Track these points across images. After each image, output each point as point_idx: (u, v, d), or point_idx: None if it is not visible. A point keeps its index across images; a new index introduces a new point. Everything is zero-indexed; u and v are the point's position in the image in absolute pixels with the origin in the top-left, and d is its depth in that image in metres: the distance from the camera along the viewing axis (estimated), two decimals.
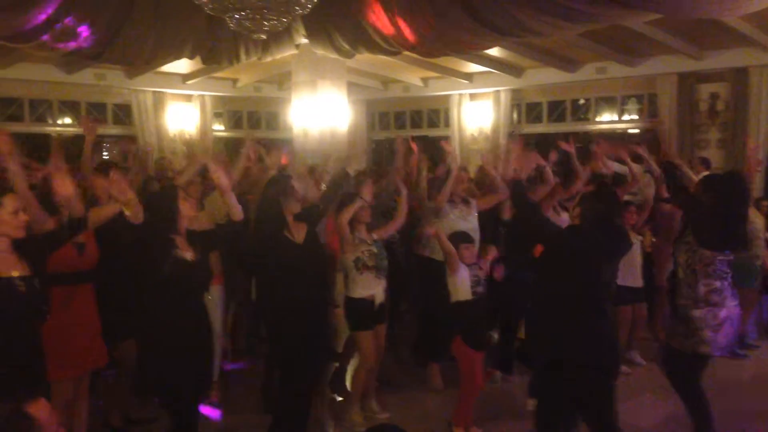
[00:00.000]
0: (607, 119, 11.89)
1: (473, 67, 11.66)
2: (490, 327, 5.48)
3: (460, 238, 4.83)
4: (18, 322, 3.12)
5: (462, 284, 4.67)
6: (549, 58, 10.56)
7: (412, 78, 12.73)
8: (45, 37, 7.31)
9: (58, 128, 11.95)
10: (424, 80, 12.88)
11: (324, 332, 4.49)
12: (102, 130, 12.47)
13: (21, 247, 3.27)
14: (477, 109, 12.82)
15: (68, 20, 7.11)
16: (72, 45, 7.65)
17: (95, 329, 4.08)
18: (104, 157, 13.06)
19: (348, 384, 5.40)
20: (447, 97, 13.08)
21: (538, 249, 4.91)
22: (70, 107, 12.05)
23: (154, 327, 3.71)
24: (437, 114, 13.90)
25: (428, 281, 5.73)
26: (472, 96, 12.82)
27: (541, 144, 12.72)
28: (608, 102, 11.80)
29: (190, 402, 3.84)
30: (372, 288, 4.84)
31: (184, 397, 3.77)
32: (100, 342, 4.11)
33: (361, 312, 4.83)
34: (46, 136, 11.80)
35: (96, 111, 12.26)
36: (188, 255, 3.80)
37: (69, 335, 3.84)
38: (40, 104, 11.64)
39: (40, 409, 2.14)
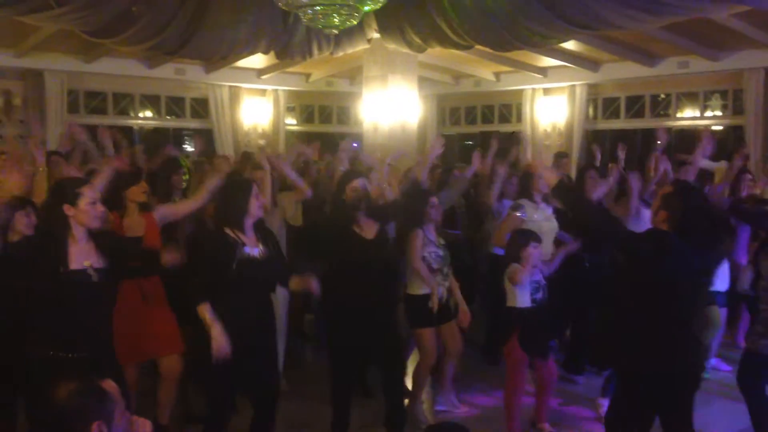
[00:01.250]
0: (688, 115, 11.42)
1: (548, 61, 11.39)
2: (552, 335, 5.27)
3: (528, 236, 4.60)
4: (88, 310, 3.22)
5: (520, 290, 4.49)
6: (628, 52, 10.21)
7: (484, 72, 12.56)
8: (127, 34, 7.60)
9: (139, 121, 12.41)
10: (497, 74, 12.69)
11: (388, 329, 4.45)
12: (180, 123, 12.93)
13: (97, 237, 3.36)
14: (551, 104, 12.53)
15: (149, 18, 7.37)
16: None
17: (165, 317, 4.18)
18: (186, 149, 13.55)
19: (408, 382, 5.39)
20: (520, 92, 12.84)
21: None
22: (151, 101, 12.49)
23: (222, 321, 3.66)
24: (509, 109, 13.67)
25: (496, 279, 5.61)
26: (546, 91, 12.54)
27: (618, 139, 12.40)
28: (690, 98, 11.33)
29: (229, 400, 3.84)
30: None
31: (232, 396, 3.80)
32: (171, 330, 4.19)
33: (421, 309, 4.76)
34: (128, 129, 12.27)
35: (175, 105, 12.66)
36: (256, 252, 3.76)
37: (138, 323, 3.95)
38: (122, 98, 12.11)
39: (111, 386, 2.19)
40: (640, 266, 3.32)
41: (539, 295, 4.50)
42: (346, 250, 4.32)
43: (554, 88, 12.34)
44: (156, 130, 12.69)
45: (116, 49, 9.53)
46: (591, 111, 12.32)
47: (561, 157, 8.81)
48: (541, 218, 5.30)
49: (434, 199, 4.88)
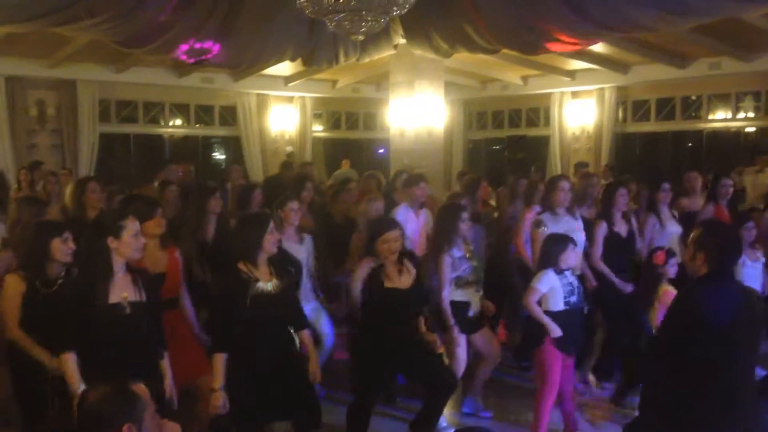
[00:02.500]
0: (720, 117, 11.23)
1: (576, 64, 11.31)
2: (586, 338, 5.18)
3: (561, 239, 4.57)
4: (121, 341, 3.22)
5: (552, 294, 4.45)
6: (657, 54, 10.08)
7: (512, 76, 12.51)
8: (156, 44, 7.73)
9: (169, 129, 12.59)
10: (524, 78, 12.62)
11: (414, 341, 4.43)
12: (209, 131, 13.09)
13: (138, 272, 3.38)
14: (579, 107, 12.43)
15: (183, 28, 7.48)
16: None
17: (193, 344, 4.16)
18: (214, 157, 13.72)
19: None
20: (548, 96, 12.76)
21: (660, 257, 4.68)
22: (180, 109, 12.66)
23: (237, 358, 3.62)
24: (537, 113, 13.60)
25: (527, 284, 5.56)
26: (575, 94, 12.45)
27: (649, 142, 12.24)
28: (722, 99, 11.15)
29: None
30: (468, 297, 4.77)
31: (256, 424, 3.76)
32: (202, 353, 4.16)
33: (455, 315, 4.75)
34: (158, 137, 12.46)
35: (204, 113, 12.82)
36: (270, 286, 3.68)
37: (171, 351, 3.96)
38: (153, 106, 12.30)
39: (143, 391, 2.23)
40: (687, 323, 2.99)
41: (573, 298, 4.45)
42: (379, 302, 4.25)
43: (583, 91, 12.25)
44: (185, 138, 12.87)
45: (146, 59, 9.69)
46: (620, 114, 12.19)
47: (581, 167, 8.69)
48: (562, 231, 4.98)
49: (465, 214, 4.84)
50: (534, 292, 4.42)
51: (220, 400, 3.53)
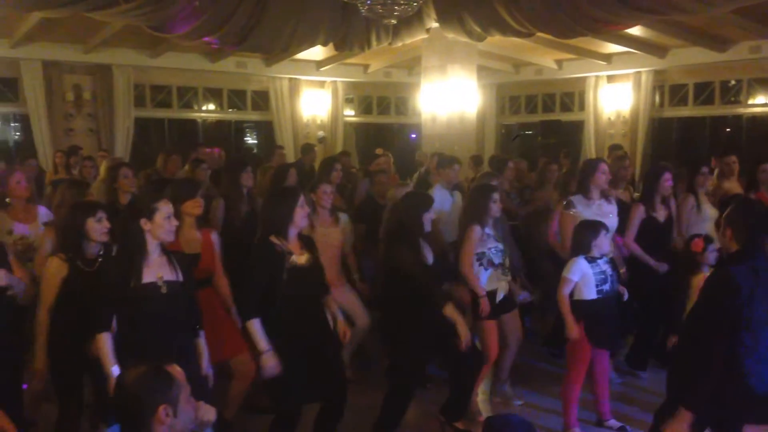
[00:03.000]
0: (761, 102, 10.93)
1: (612, 48, 11.10)
2: (621, 327, 5.10)
3: (592, 225, 4.49)
4: (157, 321, 3.28)
5: (584, 282, 4.38)
6: (696, 37, 9.83)
7: (546, 60, 12.33)
8: (187, 29, 7.78)
9: (202, 114, 12.70)
10: (558, 62, 12.43)
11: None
12: (241, 116, 13.18)
13: (174, 253, 3.44)
14: (615, 91, 12.21)
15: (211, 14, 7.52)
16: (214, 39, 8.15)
17: (227, 322, 4.20)
18: (246, 141, 13.83)
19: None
20: (583, 80, 12.56)
21: (698, 243, 4.60)
22: (213, 94, 12.76)
23: (276, 333, 3.65)
24: (571, 97, 13.39)
25: (559, 272, 5.50)
26: (610, 78, 12.23)
27: (686, 128, 12.00)
28: (763, 83, 10.83)
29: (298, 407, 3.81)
30: (495, 284, 4.71)
31: (295, 403, 3.78)
32: (236, 332, 4.16)
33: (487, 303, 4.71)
34: (192, 122, 12.58)
35: (236, 97, 12.90)
36: (302, 259, 3.72)
37: (216, 324, 4.00)
38: (186, 91, 12.41)
39: (177, 372, 2.25)
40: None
41: (606, 287, 4.37)
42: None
43: (619, 75, 12.02)
44: (218, 123, 12.98)
45: (180, 44, 9.77)
46: (657, 98, 11.94)
47: (616, 149, 8.52)
48: (593, 215, 4.92)
49: (497, 195, 4.79)
50: (567, 282, 4.36)
51: (271, 360, 3.56)
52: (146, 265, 3.30)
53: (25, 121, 10.69)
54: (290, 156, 12.40)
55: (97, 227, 3.70)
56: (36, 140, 10.33)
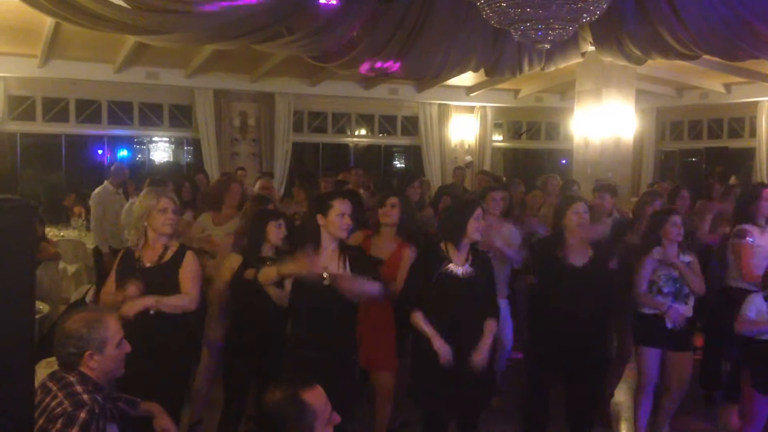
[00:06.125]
0: None
1: None
2: None
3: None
4: (322, 314, 3.46)
5: (759, 315, 3.97)
6: None
7: (713, 84, 11.54)
8: (347, 57, 8.11)
9: (354, 139, 13.15)
10: (727, 86, 11.59)
11: (596, 341, 4.28)
12: (391, 141, 13.49)
13: (348, 249, 3.61)
14: None
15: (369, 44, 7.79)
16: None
17: (385, 334, 4.25)
18: (395, 165, 14.11)
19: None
20: (754, 104, 11.62)
21: None
22: (366, 119, 13.18)
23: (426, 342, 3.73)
24: (741, 123, 12.43)
25: (726, 309, 5.02)
26: None
27: None
28: None
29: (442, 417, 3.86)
30: (660, 309, 4.42)
31: (439, 412, 3.81)
32: (388, 348, 4.25)
33: (646, 327, 4.43)
34: (344, 146, 13.07)
35: (387, 123, 13.23)
36: (461, 271, 3.78)
37: (373, 333, 4.11)
38: (340, 117, 12.92)
39: (315, 397, 2.25)
40: None
41: None
42: (554, 277, 4.27)
43: None
44: (368, 147, 13.37)
45: (338, 73, 10.20)
46: None
47: None
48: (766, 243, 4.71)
49: (677, 218, 4.50)
50: (746, 322, 4.00)
51: (447, 353, 3.66)
52: (318, 258, 3.47)
53: (196, 146, 11.60)
54: (437, 180, 12.53)
55: (276, 231, 4.10)
56: (205, 163, 11.15)
